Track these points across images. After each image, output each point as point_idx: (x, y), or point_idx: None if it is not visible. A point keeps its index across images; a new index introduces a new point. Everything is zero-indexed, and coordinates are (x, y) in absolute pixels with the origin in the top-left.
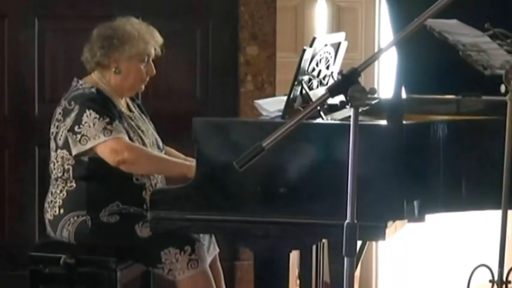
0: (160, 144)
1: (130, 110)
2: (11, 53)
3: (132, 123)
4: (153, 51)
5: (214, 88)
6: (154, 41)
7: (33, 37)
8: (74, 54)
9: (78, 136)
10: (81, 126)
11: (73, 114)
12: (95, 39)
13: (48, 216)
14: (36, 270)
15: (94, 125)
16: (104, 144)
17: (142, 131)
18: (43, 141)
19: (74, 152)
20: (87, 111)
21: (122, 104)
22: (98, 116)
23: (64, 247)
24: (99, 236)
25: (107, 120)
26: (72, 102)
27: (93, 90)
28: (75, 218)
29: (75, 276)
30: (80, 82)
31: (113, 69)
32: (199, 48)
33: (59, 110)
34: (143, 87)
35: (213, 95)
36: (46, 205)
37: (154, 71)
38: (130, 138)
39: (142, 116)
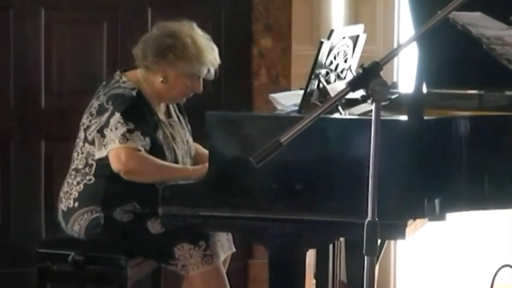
0: (192, 151)
1: (169, 115)
2: (17, 45)
3: (168, 132)
4: (205, 72)
5: (227, 81)
6: (211, 62)
7: (40, 28)
8: (81, 45)
9: (103, 140)
10: (107, 130)
11: (106, 115)
12: (152, 41)
13: (62, 206)
14: (44, 268)
15: (116, 129)
16: (116, 150)
17: (176, 140)
18: (49, 134)
19: (96, 156)
20: (116, 113)
21: (161, 108)
22: (121, 121)
23: (72, 244)
24: (111, 233)
25: (130, 127)
26: (110, 102)
27: (134, 93)
28: (89, 213)
29: (84, 273)
30: (123, 79)
31: (160, 78)
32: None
33: (95, 103)
34: (184, 100)
35: (226, 88)
36: (61, 194)
37: (201, 90)
38: (163, 153)
39: (180, 118)
